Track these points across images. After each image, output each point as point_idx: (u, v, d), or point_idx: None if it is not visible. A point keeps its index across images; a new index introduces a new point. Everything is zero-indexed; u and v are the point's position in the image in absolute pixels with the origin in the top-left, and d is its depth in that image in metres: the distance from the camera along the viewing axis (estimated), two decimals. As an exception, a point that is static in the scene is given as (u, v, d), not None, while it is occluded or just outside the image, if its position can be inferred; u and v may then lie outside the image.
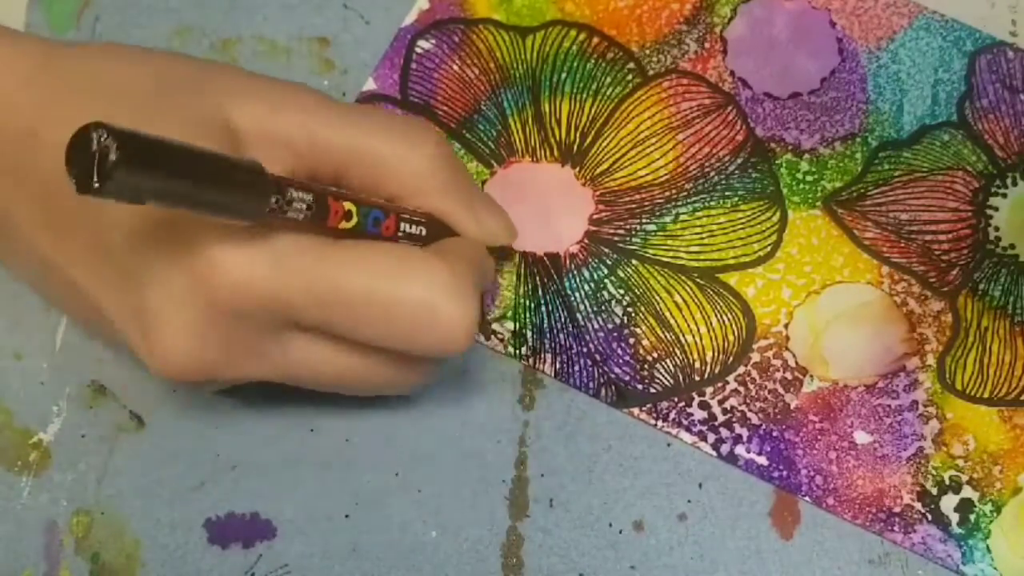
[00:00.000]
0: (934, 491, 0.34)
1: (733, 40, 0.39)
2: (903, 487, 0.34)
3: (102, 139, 0.21)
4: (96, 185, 0.21)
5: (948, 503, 0.33)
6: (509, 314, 0.35)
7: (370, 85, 0.38)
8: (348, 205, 0.28)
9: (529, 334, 0.35)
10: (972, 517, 0.33)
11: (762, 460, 0.34)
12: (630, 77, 0.38)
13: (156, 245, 0.26)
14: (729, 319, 0.35)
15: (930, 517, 0.33)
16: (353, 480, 0.34)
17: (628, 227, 0.36)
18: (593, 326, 0.35)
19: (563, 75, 0.38)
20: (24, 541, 0.33)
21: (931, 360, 0.35)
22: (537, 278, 0.36)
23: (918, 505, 0.33)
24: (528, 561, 0.33)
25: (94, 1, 0.39)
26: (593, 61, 0.38)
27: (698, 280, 0.36)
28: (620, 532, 0.34)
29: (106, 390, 0.35)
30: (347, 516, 0.34)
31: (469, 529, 0.34)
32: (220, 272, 0.26)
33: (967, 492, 0.33)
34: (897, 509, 0.33)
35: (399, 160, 0.30)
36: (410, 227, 0.30)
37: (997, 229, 0.36)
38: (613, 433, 0.35)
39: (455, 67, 0.38)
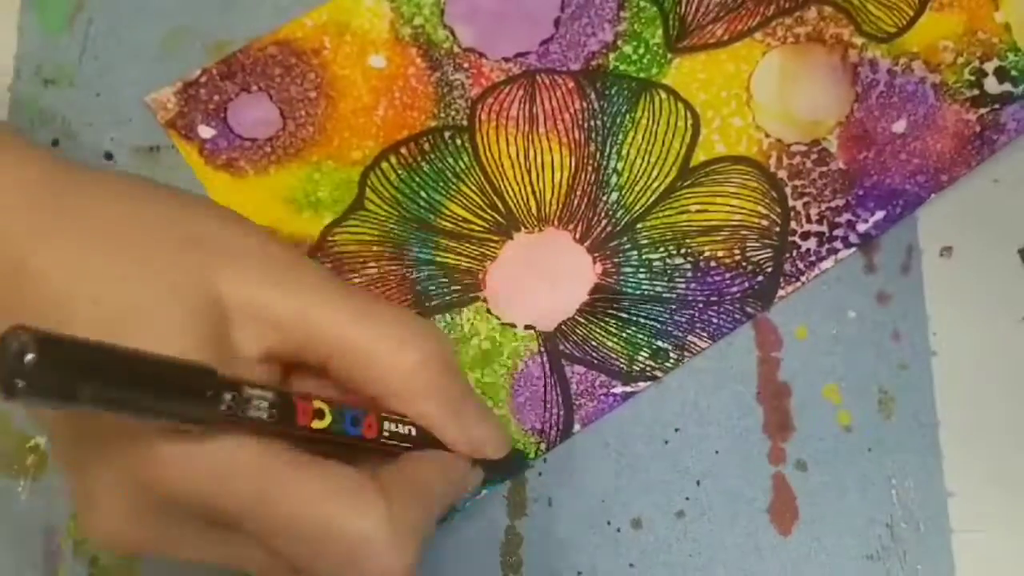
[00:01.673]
0: (976, 91, 0.37)
1: (474, 41, 0.39)
2: (960, 113, 0.37)
3: (21, 341, 0.20)
4: (17, 386, 0.19)
5: (992, 84, 0.37)
6: (632, 351, 0.36)
7: None
8: (319, 404, 0.26)
9: (660, 343, 0.36)
10: (1014, 71, 0.38)
11: (880, 214, 0.36)
12: (458, 140, 0.38)
13: (102, 429, 0.25)
14: (737, 176, 0.37)
15: (998, 105, 0.37)
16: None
17: (603, 213, 0.37)
18: (681, 287, 0.36)
19: (423, 193, 0.37)
20: (22, 545, 0.33)
21: (858, 40, 0.39)
22: (610, 310, 0.36)
23: (982, 110, 0.37)
24: (527, 560, 0.33)
25: (87, 4, 0.39)
26: (424, 161, 0.37)
27: (686, 183, 0.37)
28: (618, 530, 0.34)
29: (103, 393, 0.35)
30: (346, 517, 0.34)
31: (468, 528, 0.34)
32: (156, 466, 0.25)
33: (990, 65, 0.38)
34: (977, 128, 0.37)
35: (387, 356, 0.28)
36: (396, 426, 0.28)
37: None
38: (611, 431, 0.35)
39: (357, 281, 0.36)
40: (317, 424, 0.26)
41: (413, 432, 0.29)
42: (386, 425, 0.28)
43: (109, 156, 0.38)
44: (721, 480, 0.34)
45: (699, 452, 0.35)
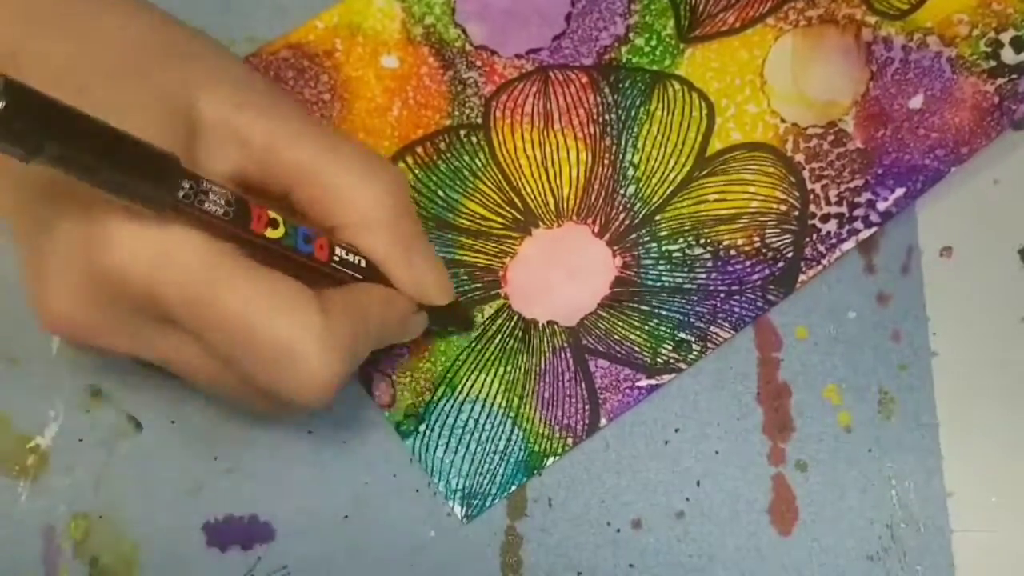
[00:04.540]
0: (992, 63, 0.37)
1: (486, 39, 0.39)
2: (978, 85, 0.37)
3: None
4: None
5: (1008, 55, 0.37)
6: (655, 344, 0.36)
7: None
8: (273, 214, 0.27)
9: (683, 335, 0.36)
10: None
11: (900, 191, 0.36)
12: (474, 139, 0.38)
13: (61, 204, 0.26)
14: (753, 163, 0.37)
15: (1016, 75, 0.37)
16: (351, 481, 0.34)
17: (621, 207, 0.37)
18: (702, 277, 0.36)
19: (441, 192, 0.37)
20: (23, 545, 0.33)
21: (871, 19, 0.38)
22: (631, 303, 0.36)
23: (999, 80, 0.37)
24: (527, 560, 0.33)
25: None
26: (441, 160, 0.37)
27: (703, 173, 0.37)
28: (618, 531, 0.34)
29: (103, 394, 0.35)
30: (346, 517, 0.34)
31: (468, 529, 0.34)
32: (102, 248, 0.26)
33: (1006, 36, 0.37)
34: (996, 99, 0.37)
35: (347, 189, 0.29)
36: (346, 254, 0.29)
37: None
38: (611, 432, 0.35)
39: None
40: (271, 233, 0.27)
41: (363, 263, 0.30)
42: (337, 251, 0.29)
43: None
44: (721, 480, 0.34)
45: (699, 452, 0.35)
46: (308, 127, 0.29)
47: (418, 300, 0.31)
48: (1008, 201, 0.38)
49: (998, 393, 0.36)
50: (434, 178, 0.37)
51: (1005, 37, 0.38)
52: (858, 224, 0.37)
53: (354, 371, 0.30)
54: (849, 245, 0.36)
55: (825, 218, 0.37)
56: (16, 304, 0.36)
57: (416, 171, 0.37)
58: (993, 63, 0.38)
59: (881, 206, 0.37)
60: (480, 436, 0.35)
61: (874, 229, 0.36)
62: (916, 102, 0.38)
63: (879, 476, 0.34)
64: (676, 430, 0.35)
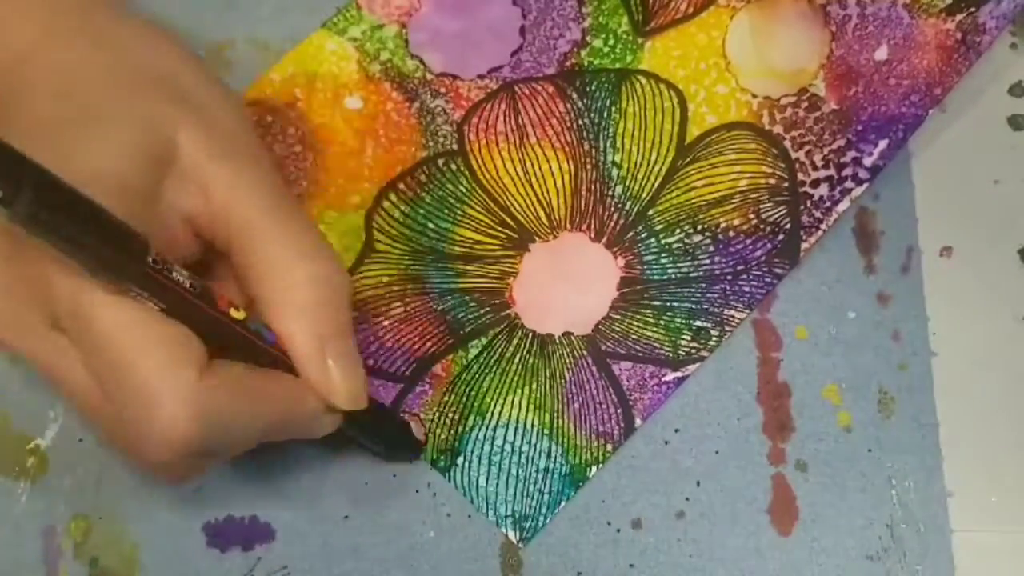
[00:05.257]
0: (949, 1, 0.37)
1: (445, 65, 0.39)
2: (938, 25, 0.37)
3: None
4: None
5: None
6: (674, 337, 0.36)
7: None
8: (232, 300, 0.28)
9: (699, 323, 0.36)
10: None
11: (882, 143, 0.37)
12: (453, 165, 0.37)
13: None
14: (732, 142, 0.37)
15: (973, 7, 0.37)
16: (351, 481, 0.34)
17: (612, 207, 0.37)
18: (706, 264, 0.36)
19: (430, 224, 0.37)
20: (23, 546, 0.33)
21: None
22: (641, 300, 0.36)
23: (959, 16, 0.37)
24: (527, 560, 0.33)
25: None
26: (425, 192, 0.37)
27: (686, 161, 0.37)
28: (618, 531, 0.34)
29: (103, 394, 0.35)
30: (346, 517, 0.34)
31: (468, 529, 0.34)
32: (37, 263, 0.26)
33: None
34: (959, 35, 0.37)
35: (280, 262, 0.28)
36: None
37: None
38: (611, 432, 0.35)
39: (385, 323, 0.36)
40: (235, 314, 0.27)
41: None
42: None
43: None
44: (721, 480, 0.34)
45: (699, 452, 0.35)
46: (270, 195, 0.29)
47: (325, 400, 0.29)
48: (1008, 201, 0.38)
49: (998, 393, 0.36)
50: (421, 211, 0.37)
51: None
52: (849, 183, 0.37)
53: (227, 451, 0.29)
54: (844, 205, 0.37)
55: (815, 183, 0.37)
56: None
57: (402, 207, 0.37)
58: (949, 0, 0.38)
59: (868, 161, 0.37)
60: (519, 459, 0.34)
61: (866, 185, 0.37)
62: (881, 53, 0.38)
63: (879, 476, 0.34)
64: (676, 430, 0.35)
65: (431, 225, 0.37)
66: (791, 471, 0.35)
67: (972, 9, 0.38)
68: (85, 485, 0.34)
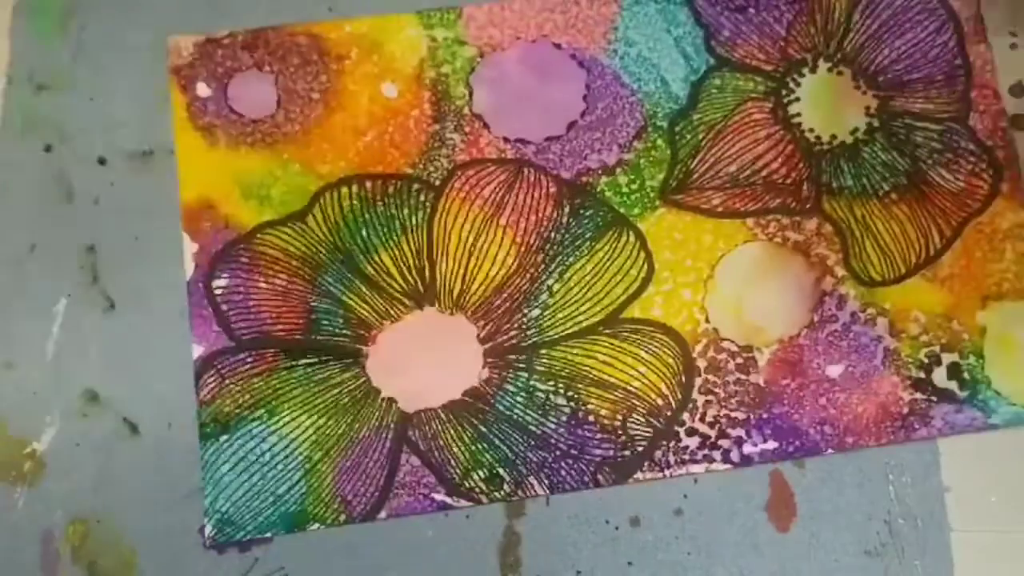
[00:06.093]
0: (922, 375, 0.35)
1: (486, 110, 0.38)
2: (896, 388, 0.35)
3: None
4: None
5: (940, 376, 0.35)
6: (471, 467, 0.35)
7: (197, 351, 0.36)
8: None
9: (502, 471, 0.35)
10: (967, 375, 0.35)
11: (772, 444, 0.35)
12: (423, 197, 0.37)
13: None
14: (657, 346, 0.36)
15: (935, 398, 0.35)
16: (349, 483, 0.34)
17: (516, 325, 0.36)
18: (550, 427, 0.35)
19: (364, 231, 0.37)
20: (20, 551, 0.33)
21: (840, 271, 0.36)
22: (473, 419, 0.35)
23: (919, 395, 0.35)
24: (526, 559, 0.33)
25: (79, 9, 0.39)
26: (381, 203, 0.37)
27: (607, 331, 0.36)
28: (617, 528, 0.34)
29: (99, 398, 0.35)
30: (343, 519, 0.34)
31: (467, 528, 0.34)
32: None
33: (948, 358, 0.35)
34: (905, 410, 0.35)
35: None
36: None
37: (812, 130, 0.37)
38: (607, 430, 0.35)
39: (262, 285, 0.36)
40: None
41: None
42: None
43: (102, 161, 0.38)
44: (719, 478, 0.34)
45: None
46: None
47: None
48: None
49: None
50: (366, 216, 0.37)
51: (947, 358, 0.35)
52: (716, 454, 0.35)
53: None
54: (696, 469, 0.35)
55: (691, 432, 0.35)
56: (9, 308, 0.36)
57: (354, 201, 0.37)
58: (922, 375, 0.35)
59: (747, 449, 0.35)
60: (268, 472, 0.34)
61: (727, 467, 0.35)
62: (834, 371, 0.35)
63: (877, 472, 0.34)
64: (672, 428, 0.35)
65: (364, 233, 0.37)
66: (788, 468, 0.34)
67: (933, 399, 0.35)
68: (82, 489, 0.34)
